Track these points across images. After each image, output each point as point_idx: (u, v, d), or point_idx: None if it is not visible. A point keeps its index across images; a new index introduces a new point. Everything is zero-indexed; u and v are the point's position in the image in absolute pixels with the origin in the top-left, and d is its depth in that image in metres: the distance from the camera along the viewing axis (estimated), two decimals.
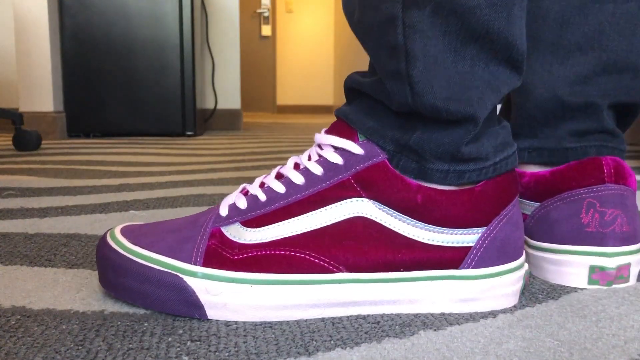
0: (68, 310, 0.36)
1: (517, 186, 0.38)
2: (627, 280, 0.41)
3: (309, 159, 0.38)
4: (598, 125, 0.44)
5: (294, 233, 0.35)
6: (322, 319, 0.35)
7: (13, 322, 0.34)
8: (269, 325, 0.34)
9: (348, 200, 0.35)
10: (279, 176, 0.38)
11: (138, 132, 2.13)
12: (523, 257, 0.38)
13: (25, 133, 1.51)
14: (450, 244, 0.36)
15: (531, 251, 0.44)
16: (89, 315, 0.35)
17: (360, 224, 0.35)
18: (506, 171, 0.37)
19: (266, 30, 5.72)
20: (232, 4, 2.62)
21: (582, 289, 0.41)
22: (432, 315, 0.36)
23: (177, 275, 0.35)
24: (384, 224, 0.35)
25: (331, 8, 6.26)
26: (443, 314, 0.36)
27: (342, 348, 0.31)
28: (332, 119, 4.54)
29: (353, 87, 0.39)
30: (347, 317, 0.35)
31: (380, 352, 0.31)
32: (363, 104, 0.38)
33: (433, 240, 0.36)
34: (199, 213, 0.39)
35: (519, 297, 0.38)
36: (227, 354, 0.30)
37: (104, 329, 0.33)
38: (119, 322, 0.34)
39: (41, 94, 1.99)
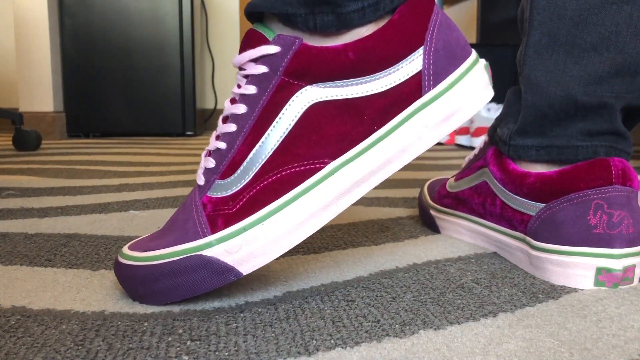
0: (68, 310, 0.36)
1: (432, 3, 0.38)
2: (632, 281, 0.41)
3: (239, 87, 0.38)
4: (610, 127, 0.44)
5: (267, 156, 0.36)
6: (322, 318, 0.35)
7: (13, 322, 0.34)
8: (269, 324, 0.34)
9: (294, 97, 0.36)
10: (225, 119, 0.39)
11: (138, 132, 2.13)
12: (473, 53, 0.39)
13: (25, 133, 1.51)
14: (402, 79, 0.36)
15: (535, 252, 0.44)
16: (89, 315, 0.35)
17: (316, 112, 0.36)
18: None
19: None
20: (232, 4, 2.62)
21: (582, 289, 0.41)
22: (432, 314, 0.36)
23: (195, 255, 0.35)
24: (335, 98, 0.36)
25: None
26: (444, 312, 0.36)
27: (342, 347, 0.31)
28: None
29: None
30: (347, 315, 0.35)
31: (380, 351, 0.31)
32: None
33: (385, 85, 0.36)
34: (183, 200, 0.40)
35: (491, 88, 0.39)
36: (227, 354, 0.30)
37: (104, 329, 0.33)
38: (119, 322, 0.34)
39: (41, 94, 1.99)
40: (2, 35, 2.54)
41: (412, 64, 0.36)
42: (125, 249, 0.39)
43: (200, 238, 0.35)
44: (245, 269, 0.35)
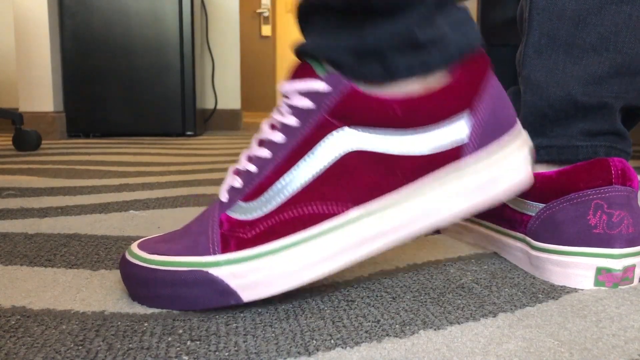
0: (68, 311, 0.36)
1: (488, 60, 0.37)
2: (632, 281, 0.41)
3: (281, 114, 0.38)
4: (610, 127, 0.44)
5: (294, 190, 0.35)
6: (322, 318, 0.35)
7: (13, 322, 0.34)
8: (269, 324, 0.34)
9: (331, 137, 0.35)
10: (261, 143, 0.38)
11: (138, 132, 2.13)
12: (518, 124, 0.38)
13: (25, 133, 1.51)
14: (442, 140, 0.35)
15: (534, 252, 0.44)
16: (89, 315, 0.35)
17: (352, 158, 0.35)
18: (470, 50, 0.36)
19: (266, 30, 5.72)
20: (232, 4, 2.62)
21: (582, 289, 0.41)
22: (432, 314, 0.36)
23: (201, 270, 0.35)
24: (373, 149, 0.35)
25: None
26: (444, 312, 0.36)
27: (342, 347, 0.31)
28: None
29: (300, 6, 0.38)
30: (347, 315, 0.35)
31: (380, 351, 0.31)
32: (314, 26, 0.38)
33: (425, 143, 0.35)
34: (204, 209, 0.39)
35: (530, 166, 0.37)
36: (227, 354, 0.30)
37: (104, 329, 0.33)
38: (119, 322, 0.34)
39: (41, 94, 1.99)
40: (2, 35, 2.54)
41: (455, 127, 0.35)
42: (134, 247, 0.38)
43: (210, 255, 0.35)
44: (247, 296, 0.35)
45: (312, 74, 0.36)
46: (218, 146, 1.73)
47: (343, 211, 0.35)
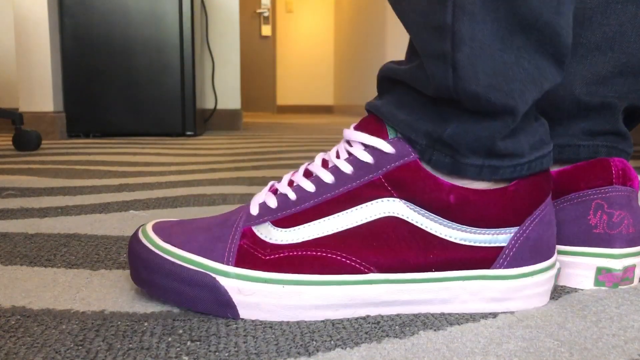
0: (68, 310, 0.36)
1: (551, 185, 0.37)
2: (632, 281, 0.41)
3: (337, 156, 0.38)
4: (612, 127, 0.44)
5: (325, 233, 0.35)
6: (322, 320, 0.35)
7: (13, 322, 0.34)
8: (269, 325, 0.34)
9: (379, 200, 0.35)
10: (308, 174, 0.38)
11: (138, 132, 2.13)
12: (555, 257, 0.38)
13: (25, 133, 1.51)
14: (482, 244, 0.36)
15: None
16: (89, 315, 0.35)
17: (391, 224, 0.35)
18: (540, 170, 0.36)
19: (266, 30, 5.72)
20: (232, 4, 2.62)
21: (582, 289, 0.41)
22: (432, 315, 0.36)
23: (210, 275, 0.35)
24: (415, 223, 0.35)
25: (331, 8, 6.26)
26: (443, 314, 0.36)
27: (342, 348, 0.31)
28: (332, 119, 4.53)
29: (387, 76, 0.38)
30: (347, 317, 0.35)
31: (380, 352, 0.31)
32: (396, 95, 0.37)
33: (465, 240, 0.35)
34: (229, 212, 0.39)
35: (549, 296, 0.38)
36: (227, 354, 0.30)
37: (104, 329, 0.33)
38: (119, 322, 0.34)
39: (41, 94, 1.99)
40: (2, 35, 2.54)
41: (500, 237, 0.35)
42: (149, 228, 0.38)
43: (222, 263, 0.35)
44: (245, 314, 0.35)
45: (381, 133, 0.36)
46: (218, 146, 1.73)
47: (365, 272, 0.35)
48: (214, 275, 0.35)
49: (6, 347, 0.31)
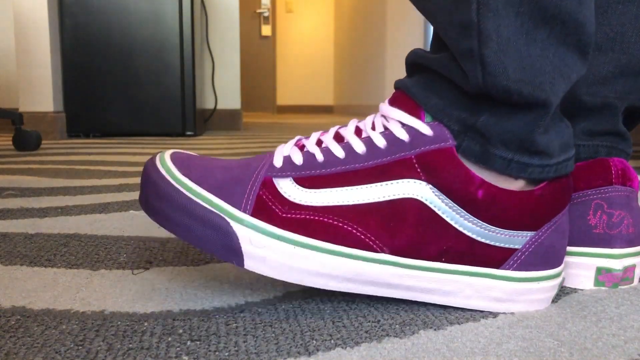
0: (68, 310, 0.36)
1: (570, 194, 0.37)
2: (632, 281, 0.41)
3: (373, 127, 0.37)
4: (612, 127, 0.44)
5: (346, 203, 0.35)
6: (322, 318, 0.35)
7: (13, 322, 0.34)
8: (269, 324, 0.34)
9: (406, 180, 0.35)
10: (339, 138, 0.37)
11: (138, 132, 2.13)
12: (563, 266, 0.38)
13: (25, 133, 1.51)
14: (497, 244, 0.36)
15: None
16: (89, 315, 0.35)
17: (412, 206, 0.35)
18: (564, 175, 0.36)
19: (266, 30, 5.72)
20: (232, 4, 2.62)
21: (582, 289, 0.41)
22: (432, 314, 0.36)
23: (224, 218, 0.34)
24: (436, 210, 0.35)
25: (331, 8, 6.26)
26: (443, 312, 0.36)
27: (342, 347, 0.31)
28: (333, 119, 4.53)
29: (417, 62, 0.38)
30: (347, 316, 0.35)
31: (380, 351, 0.31)
32: (426, 79, 0.37)
33: (481, 237, 0.35)
34: (251, 157, 0.38)
35: (550, 302, 0.38)
36: (227, 354, 0.30)
37: (104, 329, 0.33)
38: (119, 322, 0.34)
39: (41, 94, 1.99)
40: (2, 35, 2.54)
41: (515, 239, 0.36)
42: (167, 156, 0.37)
43: (239, 210, 0.34)
44: (249, 265, 0.34)
45: (417, 113, 0.36)
46: (218, 146, 1.73)
47: (377, 251, 0.35)
48: (228, 219, 0.34)
49: (6, 347, 0.31)
